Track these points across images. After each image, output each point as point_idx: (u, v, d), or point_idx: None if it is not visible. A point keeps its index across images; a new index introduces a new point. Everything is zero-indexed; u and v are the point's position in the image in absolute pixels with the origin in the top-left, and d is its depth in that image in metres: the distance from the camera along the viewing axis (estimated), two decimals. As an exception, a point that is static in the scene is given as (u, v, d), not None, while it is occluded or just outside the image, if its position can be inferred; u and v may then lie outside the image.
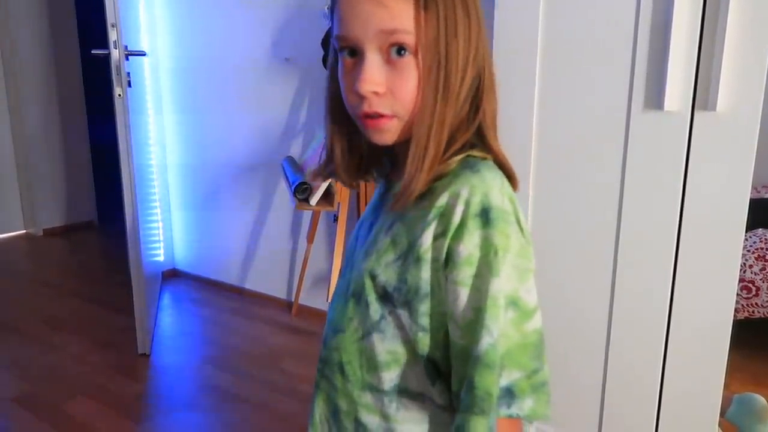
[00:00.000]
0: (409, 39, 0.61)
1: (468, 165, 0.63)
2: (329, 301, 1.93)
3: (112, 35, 2.06)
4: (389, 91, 0.62)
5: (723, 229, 1.21)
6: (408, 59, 0.61)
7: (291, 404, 2.04)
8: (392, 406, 0.68)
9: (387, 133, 0.65)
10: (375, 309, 0.67)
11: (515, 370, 0.61)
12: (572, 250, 1.42)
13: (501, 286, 0.59)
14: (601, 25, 1.28)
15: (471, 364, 0.60)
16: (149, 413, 2.02)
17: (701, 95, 1.19)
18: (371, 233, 0.72)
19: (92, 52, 2.13)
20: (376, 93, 0.62)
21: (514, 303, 0.60)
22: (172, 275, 3.27)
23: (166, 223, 3.20)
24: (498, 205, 0.60)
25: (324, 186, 1.85)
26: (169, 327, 2.67)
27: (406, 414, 0.68)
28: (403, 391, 0.68)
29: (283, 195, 2.74)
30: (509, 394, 0.60)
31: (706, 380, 1.28)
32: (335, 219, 2.00)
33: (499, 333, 0.59)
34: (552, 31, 1.34)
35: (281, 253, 2.83)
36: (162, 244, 3.16)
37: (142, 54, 2.22)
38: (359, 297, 0.69)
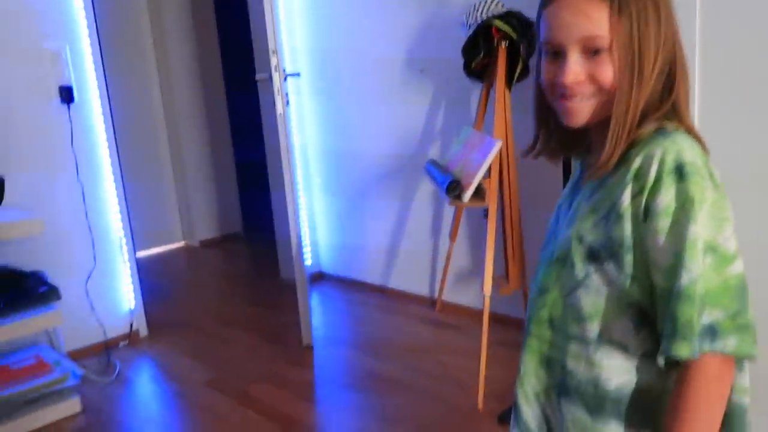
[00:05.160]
0: (604, 42, 0.72)
1: (661, 133, 0.73)
2: (485, 291, 2.04)
3: (273, 60, 2.32)
4: (588, 80, 0.75)
5: None
6: (604, 56, 0.73)
7: (451, 389, 2.16)
8: (596, 355, 0.77)
9: (579, 116, 0.77)
10: (580, 268, 0.78)
11: (716, 310, 0.68)
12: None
13: (698, 232, 0.67)
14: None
15: (673, 299, 0.69)
16: (322, 395, 2.23)
17: None
18: (572, 207, 0.84)
19: (256, 77, 2.40)
20: (577, 83, 0.75)
21: (712, 249, 0.68)
22: (319, 278, 3.53)
23: (312, 229, 3.46)
24: (691, 161, 0.69)
25: (475, 184, 1.97)
26: (323, 324, 2.89)
27: (609, 362, 0.76)
28: (606, 341, 0.77)
29: (422, 197, 2.90)
30: (712, 331, 0.68)
31: None
32: (485, 214, 2.10)
33: (698, 272, 0.67)
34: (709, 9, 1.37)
35: (423, 252, 2.98)
36: (309, 249, 3.42)
37: (297, 75, 2.46)
38: (564, 260, 0.80)
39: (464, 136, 2.25)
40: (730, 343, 0.68)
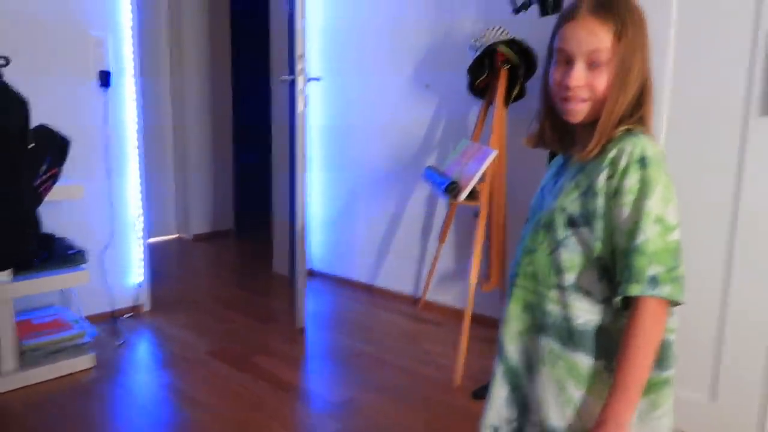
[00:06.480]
0: (606, 57, 0.98)
1: (631, 134, 1.00)
2: (471, 281, 2.31)
3: (299, 64, 2.59)
4: (587, 86, 1.00)
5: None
6: (602, 69, 0.99)
7: (430, 369, 2.42)
8: (570, 298, 1.02)
9: (578, 114, 1.03)
10: (561, 232, 1.03)
11: (659, 266, 0.93)
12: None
13: (652, 206, 0.93)
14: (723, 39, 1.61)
15: (630, 253, 0.94)
16: (313, 367, 2.48)
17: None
18: (557, 185, 1.10)
19: (281, 78, 2.67)
20: (579, 86, 1.00)
21: (660, 220, 0.94)
22: (309, 275, 3.74)
23: (307, 228, 3.69)
24: (651, 155, 0.96)
25: (471, 186, 2.25)
26: (313, 313, 3.10)
27: (578, 304, 1.01)
28: (578, 288, 1.01)
29: (415, 203, 3.17)
30: (654, 281, 0.93)
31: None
32: (476, 214, 2.38)
33: (650, 235, 0.93)
34: (682, 47, 1.69)
35: (411, 254, 3.24)
36: (303, 246, 3.64)
37: (318, 79, 2.74)
38: (549, 225, 1.05)
39: (461, 147, 2.55)
40: (666, 290, 0.92)
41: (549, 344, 1.04)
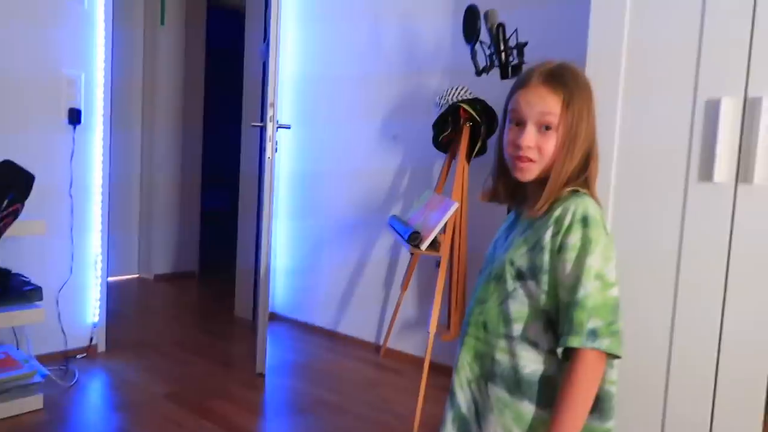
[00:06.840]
0: (554, 122, 1.06)
1: (576, 194, 1.07)
2: (431, 330, 2.34)
3: (270, 111, 2.66)
4: (537, 147, 1.08)
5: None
6: (551, 132, 1.07)
7: (389, 418, 2.41)
8: (518, 348, 1.07)
9: (528, 172, 1.10)
10: (510, 284, 1.09)
11: (598, 320, 0.99)
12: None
13: (592, 263, 0.99)
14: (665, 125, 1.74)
15: (571, 307, 1.00)
16: (273, 414, 2.44)
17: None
18: (508, 240, 1.16)
19: (252, 124, 2.72)
20: (529, 147, 1.08)
21: (600, 276, 1.00)
22: (271, 318, 3.72)
23: (272, 272, 3.69)
24: (593, 215, 1.03)
25: (432, 236, 2.31)
26: (274, 357, 3.08)
27: (526, 354, 1.06)
28: (525, 339, 1.06)
29: (379, 251, 3.22)
30: (594, 334, 0.98)
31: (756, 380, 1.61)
32: (437, 264, 2.44)
33: (590, 290, 0.99)
34: (628, 115, 1.80)
35: (374, 302, 3.26)
36: (267, 290, 3.64)
37: (288, 127, 2.80)
38: (500, 278, 1.11)
39: (425, 198, 2.62)
40: (605, 343, 0.97)
41: (497, 392, 1.08)
